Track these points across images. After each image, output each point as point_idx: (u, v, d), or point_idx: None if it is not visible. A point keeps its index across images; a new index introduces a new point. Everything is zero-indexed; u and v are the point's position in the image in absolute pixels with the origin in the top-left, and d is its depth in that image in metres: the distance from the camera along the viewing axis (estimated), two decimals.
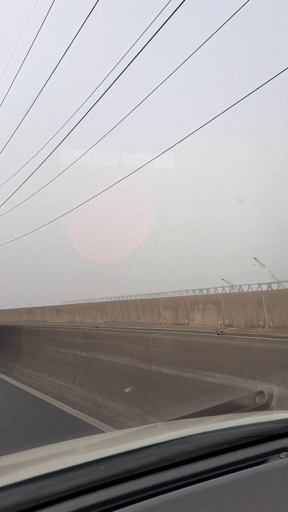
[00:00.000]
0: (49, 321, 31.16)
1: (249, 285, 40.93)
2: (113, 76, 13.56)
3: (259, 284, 39.93)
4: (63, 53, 15.22)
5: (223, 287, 43.87)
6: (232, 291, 38.90)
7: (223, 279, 48.42)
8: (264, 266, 50.52)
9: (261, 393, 2.01)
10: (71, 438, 1.77)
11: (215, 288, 41.56)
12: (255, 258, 50.89)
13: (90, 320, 26.03)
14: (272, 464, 1.27)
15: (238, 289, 41.04)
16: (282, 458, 1.30)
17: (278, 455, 1.31)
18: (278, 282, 43.00)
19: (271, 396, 2.01)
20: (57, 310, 32.10)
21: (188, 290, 41.33)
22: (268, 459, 1.29)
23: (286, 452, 1.32)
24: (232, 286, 45.19)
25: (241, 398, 2.30)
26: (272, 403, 1.96)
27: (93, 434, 3.32)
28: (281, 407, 2.03)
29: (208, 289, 41.11)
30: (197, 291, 39.95)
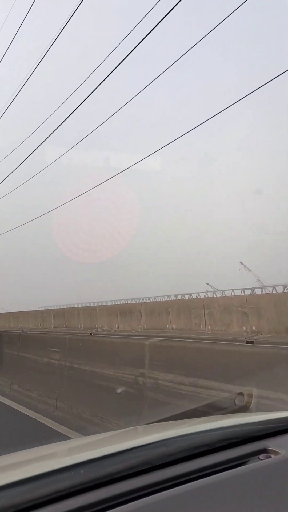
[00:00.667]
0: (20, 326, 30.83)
1: (232, 290, 40.81)
2: (99, 77, 13.59)
3: (243, 289, 39.73)
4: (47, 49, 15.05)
5: (206, 292, 43.95)
6: (214, 296, 38.89)
7: (207, 284, 48.69)
8: (250, 270, 50.81)
9: (240, 394, 2.03)
10: (51, 442, 1.76)
11: (198, 293, 41.52)
12: (241, 263, 51.11)
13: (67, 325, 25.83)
14: (252, 465, 1.28)
15: (221, 294, 40.99)
16: (262, 459, 1.31)
17: (257, 456, 1.32)
18: (262, 287, 43.11)
19: (250, 397, 2.03)
20: (35, 315, 31.52)
21: (170, 295, 41.05)
22: (248, 461, 1.30)
23: (265, 454, 1.33)
24: (215, 291, 45.10)
25: (221, 400, 2.32)
26: (252, 405, 1.98)
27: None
28: (260, 408, 2.06)
29: (190, 294, 40.96)
30: (179, 296, 39.68)
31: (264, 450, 1.35)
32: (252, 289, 40.67)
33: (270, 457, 1.32)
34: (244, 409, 1.98)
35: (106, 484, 1.12)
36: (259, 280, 48.17)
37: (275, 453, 1.33)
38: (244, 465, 1.28)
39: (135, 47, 11.96)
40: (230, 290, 41.35)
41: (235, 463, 1.28)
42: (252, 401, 1.99)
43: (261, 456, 1.32)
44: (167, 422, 2.23)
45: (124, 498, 1.07)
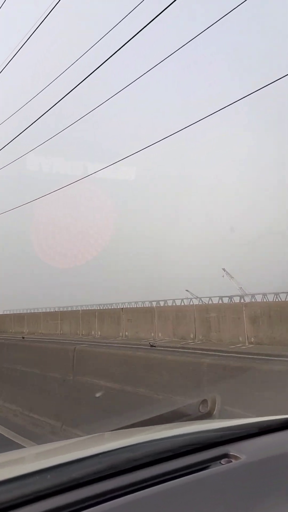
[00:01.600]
0: None
1: (210, 298, 40.40)
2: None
3: (220, 297, 39.33)
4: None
5: (182, 299, 42.68)
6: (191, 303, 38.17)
7: (187, 290, 47.29)
8: (233, 278, 49.95)
9: (204, 401, 2.09)
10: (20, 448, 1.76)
11: (174, 300, 40.59)
12: (224, 269, 50.06)
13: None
14: (213, 470, 1.32)
15: (199, 301, 40.26)
16: (223, 464, 1.35)
17: (219, 461, 1.37)
18: (242, 295, 42.36)
19: (214, 404, 2.09)
20: None
21: (144, 302, 40.06)
22: (209, 466, 1.34)
23: (227, 459, 1.38)
24: (194, 298, 44.09)
25: (186, 407, 2.37)
26: (215, 412, 2.04)
27: None
28: (223, 415, 2.13)
29: (166, 301, 40.35)
30: (154, 303, 38.73)
31: (226, 455, 1.39)
32: (230, 297, 40.27)
33: (231, 461, 1.36)
34: (207, 415, 2.04)
35: (73, 489, 1.15)
36: (241, 288, 47.37)
37: (236, 458, 1.38)
38: (206, 469, 1.32)
39: (116, 51, 11.97)
40: (207, 297, 41.05)
41: (198, 467, 1.32)
42: (216, 408, 2.06)
43: (222, 461, 1.37)
44: (133, 428, 2.26)
45: (90, 502, 1.10)
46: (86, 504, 1.09)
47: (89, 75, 13.13)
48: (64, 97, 14.76)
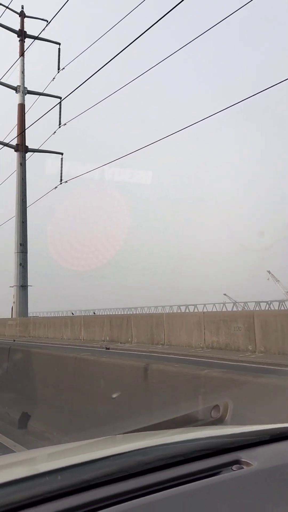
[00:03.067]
0: None
1: (245, 303, 37.75)
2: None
3: (257, 302, 36.43)
4: None
5: (224, 303, 39.65)
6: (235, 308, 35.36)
7: (225, 294, 44.73)
8: (278, 281, 46.85)
9: (216, 407, 2.08)
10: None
11: (214, 304, 38.11)
12: (269, 272, 47.32)
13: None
14: (225, 476, 1.32)
15: (240, 307, 37.52)
16: (234, 470, 1.35)
17: (230, 467, 1.36)
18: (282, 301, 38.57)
19: (226, 410, 2.08)
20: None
21: (181, 306, 38.68)
22: (221, 471, 1.34)
23: (238, 465, 1.37)
24: (234, 303, 41.05)
25: (198, 412, 2.36)
26: (227, 417, 2.03)
27: None
28: (235, 421, 2.12)
29: (205, 305, 38.42)
30: (192, 307, 36.91)
31: (237, 462, 1.39)
32: (268, 302, 37.21)
33: (243, 468, 1.36)
34: (219, 421, 2.03)
35: (83, 490, 1.15)
36: (287, 292, 43.89)
37: (248, 464, 1.37)
38: (218, 475, 1.32)
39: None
40: (242, 302, 38.44)
41: (209, 473, 1.32)
42: (228, 414, 2.05)
43: (234, 467, 1.36)
44: (144, 432, 2.26)
45: (100, 504, 1.10)
46: (97, 506, 1.09)
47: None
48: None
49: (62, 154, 35.72)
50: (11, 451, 4.76)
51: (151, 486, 1.21)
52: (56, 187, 32.42)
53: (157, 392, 4.12)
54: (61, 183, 32.83)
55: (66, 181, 32.48)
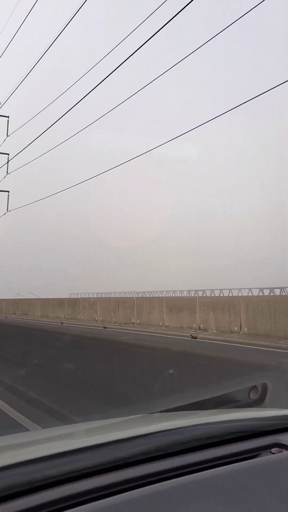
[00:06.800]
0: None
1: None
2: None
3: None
4: None
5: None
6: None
7: None
8: None
9: (255, 388, 2.05)
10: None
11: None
12: None
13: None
14: (264, 459, 1.29)
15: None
16: (274, 453, 1.32)
17: (269, 450, 1.34)
18: None
19: (264, 391, 2.04)
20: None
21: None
22: (259, 454, 1.31)
23: (277, 448, 1.35)
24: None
25: (236, 392, 2.33)
26: (266, 399, 1.99)
27: None
28: (274, 403, 2.07)
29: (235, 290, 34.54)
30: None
31: (277, 445, 1.36)
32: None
33: (282, 451, 1.33)
34: (258, 402, 1.99)
35: (120, 468, 1.16)
36: None
37: (287, 448, 1.35)
38: (256, 457, 1.30)
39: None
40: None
41: (247, 455, 1.30)
42: (267, 396, 2.01)
43: (273, 450, 1.33)
44: (181, 411, 2.26)
45: (138, 483, 1.10)
46: (133, 484, 1.09)
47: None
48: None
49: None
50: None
51: (188, 466, 1.20)
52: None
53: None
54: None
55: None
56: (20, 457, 1.19)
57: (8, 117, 28.58)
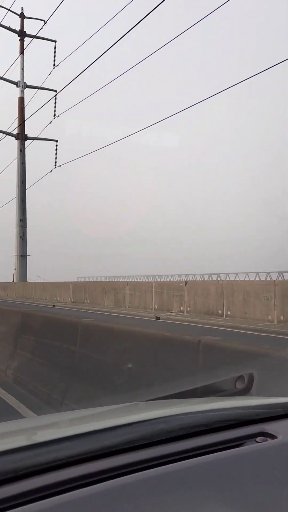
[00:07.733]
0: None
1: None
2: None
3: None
4: None
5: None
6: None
7: None
8: None
9: (241, 377, 2.05)
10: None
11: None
12: None
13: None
14: (249, 447, 1.29)
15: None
16: (259, 442, 1.32)
17: (254, 439, 1.34)
18: None
19: (251, 381, 2.05)
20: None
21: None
22: (244, 443, 1.32)
23: (262, 437, 1.35)
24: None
25: (222, 382, 2.34)
26: (252, 388, 2.00)
27: None
28: (260, 393, 2.08)
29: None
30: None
31: (261, 434, 1.36)
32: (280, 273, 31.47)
33: (267, 440, 1.33)
34: (244, 392, 2.00)
35: (105, 456, 1.15)
36: None
37: (272, 436, 1.34)
38: (241, 446, 1.30)
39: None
40: None
41: (232, 444, 1.30)
42: (253, 385, 2.02)
43: (258, 439, 1.34)
44: (167, 400, 2.26)
45: (121, 471, 1.09)
46: (118, 472, 1.09)
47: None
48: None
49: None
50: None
51: (173, 455, 1.20)
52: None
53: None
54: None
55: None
56: (4, 446, 1.18)
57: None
